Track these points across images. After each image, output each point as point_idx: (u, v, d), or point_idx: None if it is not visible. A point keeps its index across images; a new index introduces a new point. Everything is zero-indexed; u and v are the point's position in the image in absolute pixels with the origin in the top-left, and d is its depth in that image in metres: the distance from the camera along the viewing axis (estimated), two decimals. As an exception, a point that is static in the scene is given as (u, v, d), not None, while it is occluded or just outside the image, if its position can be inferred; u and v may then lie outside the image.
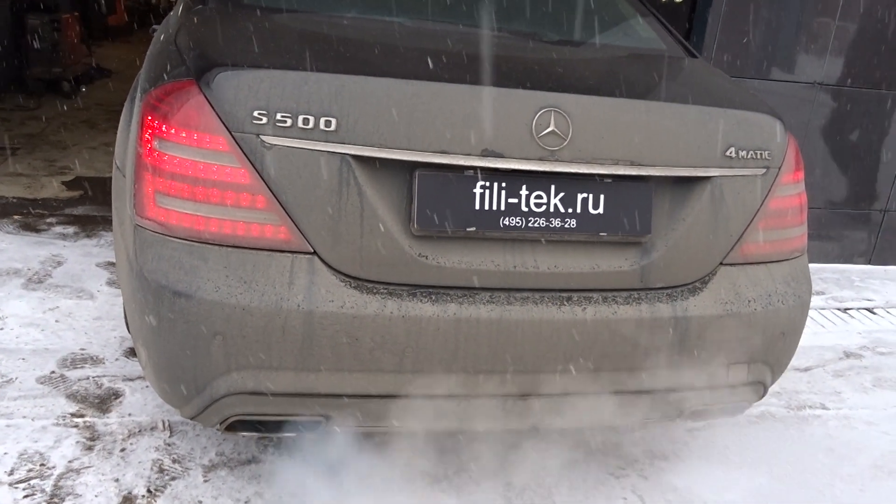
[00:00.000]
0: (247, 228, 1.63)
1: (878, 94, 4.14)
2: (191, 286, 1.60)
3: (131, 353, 2.58)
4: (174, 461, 2.05)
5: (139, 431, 2.16)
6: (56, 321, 2.76)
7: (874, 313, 3.79)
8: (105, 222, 3.80)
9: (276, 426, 1.77)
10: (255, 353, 1.63)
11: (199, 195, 1.63)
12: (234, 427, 1.75)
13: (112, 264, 3.29)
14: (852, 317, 3.72)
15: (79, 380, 2.39)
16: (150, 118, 1.68)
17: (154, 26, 2.89)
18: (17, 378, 2.36)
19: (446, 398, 1.74)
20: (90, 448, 2.07)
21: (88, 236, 3.61)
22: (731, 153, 1.86)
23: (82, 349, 2.59)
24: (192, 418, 1.76)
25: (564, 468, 2.21)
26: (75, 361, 2.50)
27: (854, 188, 4.33)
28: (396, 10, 2.28)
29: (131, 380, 2.42)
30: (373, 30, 2.05)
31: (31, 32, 6.60)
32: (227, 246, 1.63)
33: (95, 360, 2.52)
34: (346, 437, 2.12)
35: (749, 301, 1.90)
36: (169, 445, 2.11)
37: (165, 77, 1.73)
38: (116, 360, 2.54)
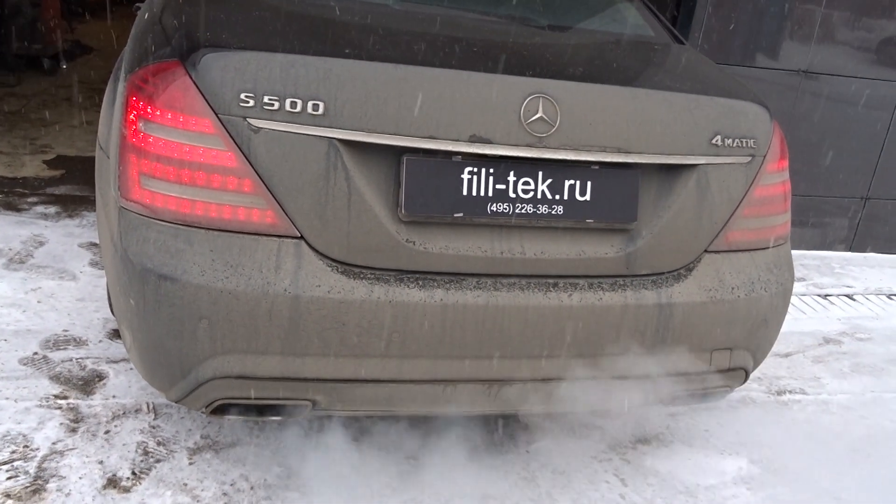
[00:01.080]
0: (233, 212, 1.62)
1: (861, 81, 4.16)
2: (176, 269, 1.59)
3: (115, 334, 2.57)
4: (159, 444, 2.05)
5: (123, 414, 2.15)
6: (38, 302, 2.74)
7: (853, 300, 3.85)
8: (87, 202, 3.76)
9: (262, 410, 1.77)
10: (241, 338, 1.62)
11: (184, 178, 1.61)
12: (219, 410, 1.75)
13: (95, 245, 3.26)
14: (832, 303, 3.77)
15: (62, 361, 2.37)
16: (134, 99, 1.66)
17: (137, 4, 2.85)
18: (-2, 359, 2.35)
19: (432, 383, 1.75)
20: (74, 430, 2.06)
21: (70, 216, 3.57)
22: (717, 141, 1.87)
23: (65, 330, 2.57)
24: (177, 401, 1.76)
25: (548, 452, 2.23)
26: (58, 343, 2.48)
27: (836, 175, 4.37)
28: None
29: (115, 362, 2.41)
30: (362, 13, 2.03)
31: (10, 8, 6.47)
32: (214, 229, 1.62)
33: (79, 342, 2.50)
34: (331, 420, 2.13)
35: (732, 288, 1.92)
36: (154, 428, 2.11)
37: (150, 57, 1.71)
38: (100, 341, 2.52)
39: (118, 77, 2.03)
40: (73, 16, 8.67)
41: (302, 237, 1.64)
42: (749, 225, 1.96)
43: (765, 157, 1.96)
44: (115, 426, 2.10)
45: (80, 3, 9.72)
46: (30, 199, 3.72)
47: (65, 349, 2.45)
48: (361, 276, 1.66)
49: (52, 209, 3.63)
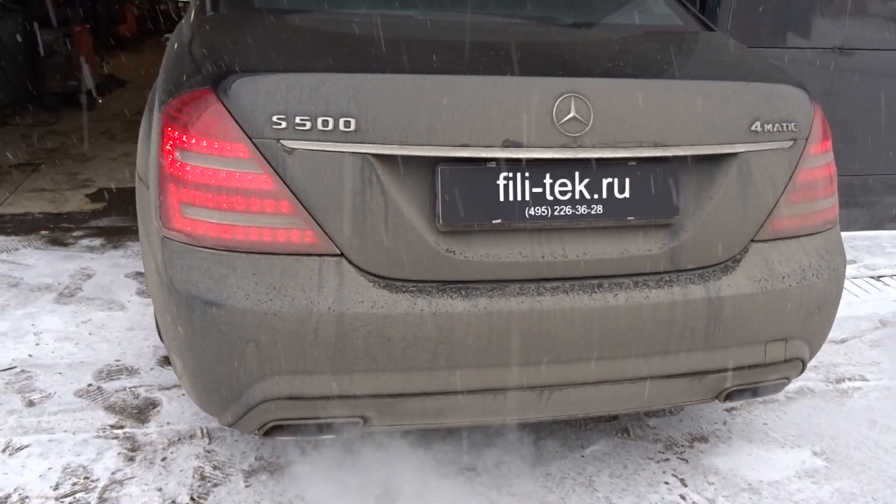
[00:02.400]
0: (273, 234, 1.63)
1: (901, 55, 4.04)
2: (221, 295, 1.61)
3: (165, 361, 2.60)
4: (215, 468, 2.07)
5: (178, 440, 2.18)
6: (89, 334, 2.80)
7: (909, 279, 3.72)
8: (130, 232, 3.83)
9: (315, 429, 1.77)
10: (289, 358, 1.63)
11: (223, 204, 1.63)
12: (272, 432, 1.76)
13: (140, 274, 3.32)
14: (886, 284, 3.65)
15: (116, 391, 2.42)
16: (169, 129, 1.68)
17: (167, 35, 2.89)
18: (55, 392, 2.40)
19: (482, 392, 1.74)
20: (132, 459, 2.09)
21: (115, 247, 3.64)
22: (756, 127, 1.82)
23: (117, 360, 2.62)
24: (230, 426, 1.77)
25: (604, 455, 2.20)
26: (111, 373, 2.53)
27: (880, 153, 4.24)
28: (407, 3, 2.27)
29: (167, 388, 2.44)
30: (385, 25, 2.04)
31: (46, 48, 6.66)
32: (255, 253, 1.63)
33: (131, 371, 2.55)
34: (384, 436, 2.13)
35: (783, 277, 1.86)
36: (209, 452, 2.13)
37: (182, 87, 1.73)
38: (151, 369, 2.56)
39: (152, 108, 2.06)
40: (105, 50, 8.89)
41: (342, 254, 1.64)
42: (796, 211, 1.91)
43: (807, 139, 1.90)
44: (172, 453, 2.12)
45: (111, 37, 9.97)
46: (75, 234, 3.81)
47: (118, 379, 2.49)
48: (403, 289, 1.65)
49: (97, 241, 3.71)
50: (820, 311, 1.94)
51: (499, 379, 1.72)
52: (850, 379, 2.73)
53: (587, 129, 1.68)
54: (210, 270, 1.63)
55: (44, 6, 6.94)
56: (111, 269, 3.39)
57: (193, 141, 1.64)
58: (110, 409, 2.32)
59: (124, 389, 2.43)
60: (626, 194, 1.75)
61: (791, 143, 1.87)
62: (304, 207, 1.62)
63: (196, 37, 1.93)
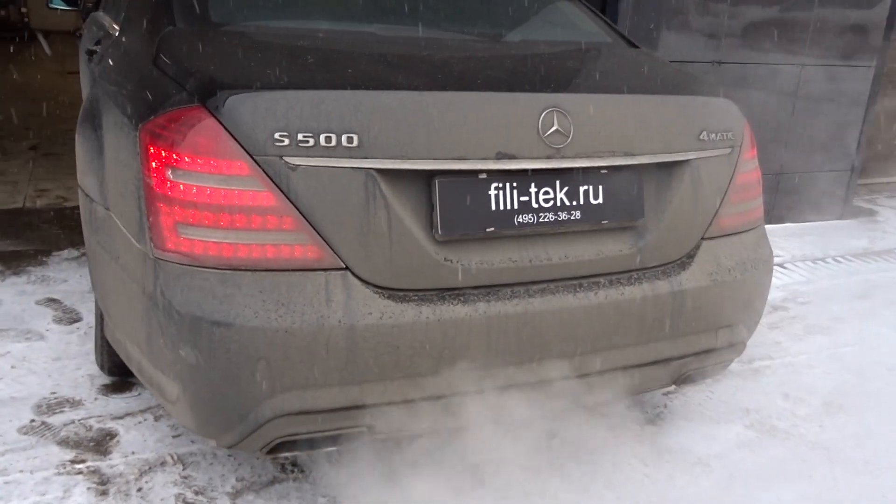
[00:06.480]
0: (277, 250, 1.64)
1: (768, 68, 4.52)
2: (228, 314, 1.59)
3: (108, 390, 2.47)
4: (196, 493, 2.01)
5: (149, 469, 2.09)
6: (12, 367, 2.60)
7: (785, 268, 4.16)
8: (26, 257, 3.57)
9: (319, 442, 1.78)
10: (300, 374, 1.64)
11: (224, 222, 1.61)
12: (276, 449, 1.75)
13: (53, 300, 3.11)
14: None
15: (64, 425, 2.27)
16: (154, 148, 1.65)
17: (91, 47, 2.76)
18: (-7, 432, 2.23)
19: (483, 393, 1.82)
20: (104, 493, 1.99)
21: (16, 273, 3.38)
22: (703, 137, 2.03)
23: (53, 393, 2.46)
24: (230, 446, 1.75)
25: (566, 445, 2.32)
26: (52, 406, 2.38)
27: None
28: (354, 15, 2.31)
29: (120, 418, 2.33)
30: (333, 39, 2.08)
31: None
32: (260, 270, 1.63)
33: (73, 403, 2.40)
34: (364, 445, 2.14)
35: (729, 270, 2.08)
36: (185, 478, 2.06)
37: (164, 104, 1.70)
38: (95, 399, 2.43)
39: (100, 126, 1.98)
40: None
41: (347, 268, 1.67)
42: (736, 210, 2.13)
43: (740, 147, 2.14)
44: (146, 482, 2.04)
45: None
46: (-35, 261, 3.50)
47: (62, 412, 2.35)
48: (407, 299, 1.71)
49: (-7, 269, 3.43)
50: (757, 298, 2.18)
51: (498, 379, 1.81)
52: (759, 359, 3.03)
53: (568, 140, 1.81)
54: (214, 290, 1.61)
55: None
56: (18, 296, 3.15)
57: (187, 159, 1.61)
58: (64, 443, 2.18)
59: (73, 422, 2.29)
60: (600, 200, 1.90)
61: (730, 150, 2.10)
62: (309, 223, 1.64)
63: (162, 52, 1.88)
